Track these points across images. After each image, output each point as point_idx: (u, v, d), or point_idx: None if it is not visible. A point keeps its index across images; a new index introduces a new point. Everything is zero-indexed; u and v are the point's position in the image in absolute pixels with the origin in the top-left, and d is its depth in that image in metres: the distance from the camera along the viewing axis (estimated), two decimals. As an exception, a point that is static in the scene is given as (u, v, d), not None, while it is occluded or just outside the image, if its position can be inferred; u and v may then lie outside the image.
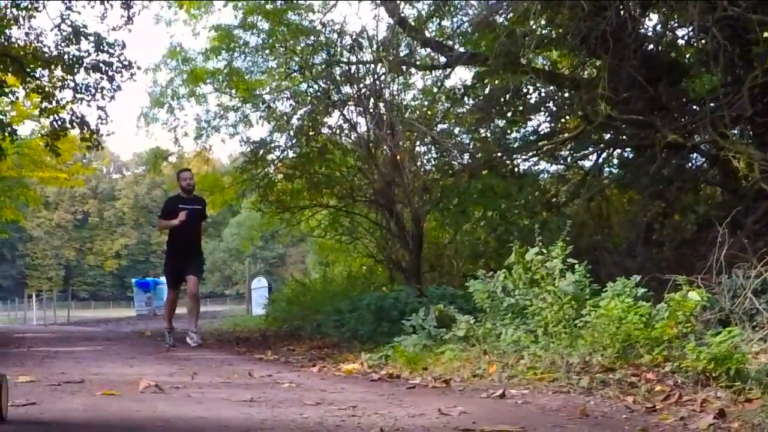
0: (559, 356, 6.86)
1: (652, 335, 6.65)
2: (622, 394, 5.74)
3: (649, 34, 13.63)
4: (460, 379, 7.10)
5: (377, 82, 15.81)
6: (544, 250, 8.32)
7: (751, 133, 12.19)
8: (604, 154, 15.14)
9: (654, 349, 6.56)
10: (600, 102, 11.67)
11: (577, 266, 8.03)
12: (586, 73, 14.95)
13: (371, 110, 15.62)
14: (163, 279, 37.43)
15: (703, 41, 11.74)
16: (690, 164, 14.37)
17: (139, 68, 16.47)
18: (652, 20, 13.73)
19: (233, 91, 17.81)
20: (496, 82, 15.40)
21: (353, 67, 16.19)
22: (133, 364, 9.08)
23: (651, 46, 13.47)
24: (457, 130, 16.81)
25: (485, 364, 7.38)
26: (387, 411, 5.29)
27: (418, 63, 16.66)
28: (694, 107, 12.90)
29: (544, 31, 13.66)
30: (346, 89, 16.41)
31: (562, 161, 16.36)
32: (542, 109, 16.14)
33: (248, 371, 8.18)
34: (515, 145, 15.87)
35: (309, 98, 16.91)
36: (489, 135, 16.14)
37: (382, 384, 7.25)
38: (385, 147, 15.56)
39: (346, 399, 5.93)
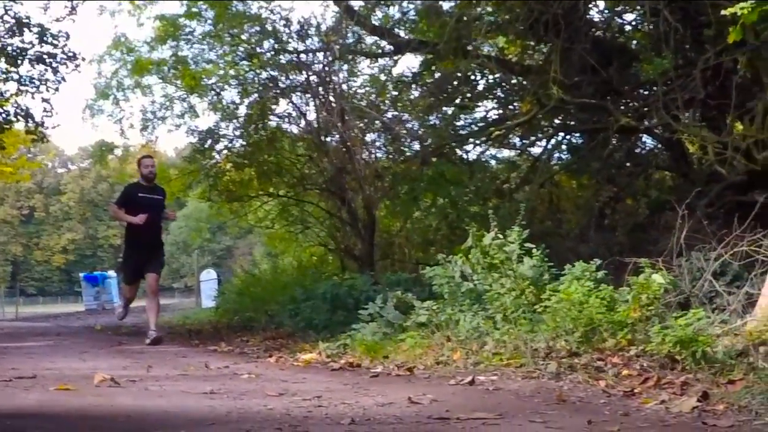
0: (522, 342, 6.81)
1: (615, 319, 6.62)
2: (591, 379, 5.70)
3: (596, 19, 13.67)
4: (423, 367, 7.04)
5: (325, 69, 15.70)
6: (501, 235, 8.29)
7: (701, 117, 12.22)
8: (554, 140, 15.15)
9: (617, 333, 6.53)
10: (552, 86, 11.66)
11: (534, 250, 8.02)
12: (535, 57, 14.94)
13: (321, 97, 15.50)
14: (111, 273, 37.12)
15: (653, 24, 11.75)
16: (640, 149, 14.44)
17: (83, 59, 16.31)
18: (599, 6, 13.76)
19: (179, 82, 17.56)
20: (442, 68, 15.38)
21: (302, 55, 16.06)
22: (85, 359, 8.91)
23: (599, 32, 13.49)
24: (406, 117, 16.73)
25: (448, 351, 7.31)
26: (354, 400, 5.19)
27: (365, 50, 16.55)
28: (646, 91, 12.94)
29: (491, 18, 13.61)
30: (294, 76, 16.27)
31: (512, 147, 16.37)
32: (491, 95, 16.11)
33: (204, 363, 8.04)
34: (465, 132, 15.82)
35: (257, 86, 16.75)
36: (438, 122, 16.06)
37: (344, 373, 7.17)
38: (335, 134, 15.45)
39: (310, 389, 5.82)
